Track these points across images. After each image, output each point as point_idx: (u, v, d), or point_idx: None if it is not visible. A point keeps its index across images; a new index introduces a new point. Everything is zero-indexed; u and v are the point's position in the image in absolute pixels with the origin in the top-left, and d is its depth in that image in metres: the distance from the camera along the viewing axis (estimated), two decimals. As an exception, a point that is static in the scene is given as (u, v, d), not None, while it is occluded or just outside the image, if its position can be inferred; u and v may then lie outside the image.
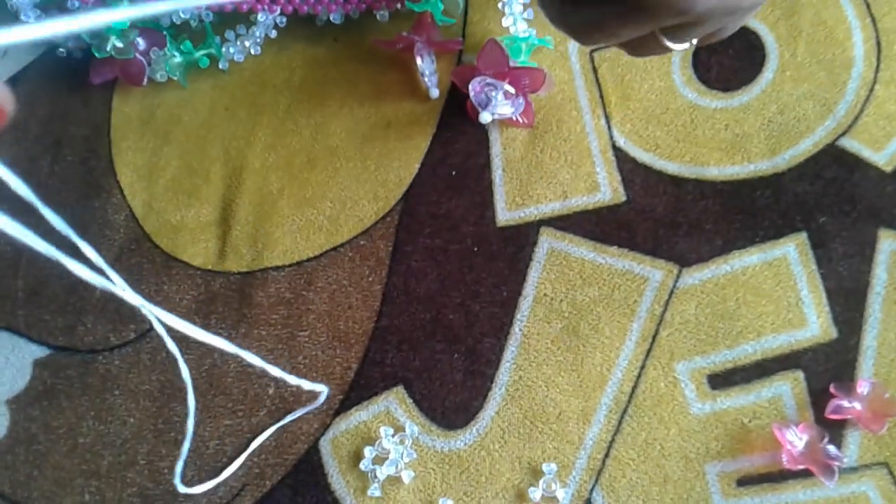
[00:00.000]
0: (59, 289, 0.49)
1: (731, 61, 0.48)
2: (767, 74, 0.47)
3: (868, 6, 0.48)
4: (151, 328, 0.47)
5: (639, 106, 0.48)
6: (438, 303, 0.46)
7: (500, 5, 0.50)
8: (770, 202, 0.45)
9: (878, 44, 0.47)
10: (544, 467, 0.42)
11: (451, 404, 0.44)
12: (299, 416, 0.44)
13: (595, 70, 0.50)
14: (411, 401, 0.44)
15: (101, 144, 0.53)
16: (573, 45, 0.50)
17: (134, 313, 0.48)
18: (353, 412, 0.45)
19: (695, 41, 0.35)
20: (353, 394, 0.45)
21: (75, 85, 0.55)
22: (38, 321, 0.49)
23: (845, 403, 0.40)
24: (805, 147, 0.46)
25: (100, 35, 0.51)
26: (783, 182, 0.45)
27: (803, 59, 0.47)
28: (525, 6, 0.50)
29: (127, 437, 0.46)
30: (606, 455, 0.42)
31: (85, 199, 0.52)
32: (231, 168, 0.51)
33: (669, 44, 0.34)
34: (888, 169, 0.44)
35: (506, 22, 0.50)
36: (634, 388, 0.42)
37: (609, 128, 0.48)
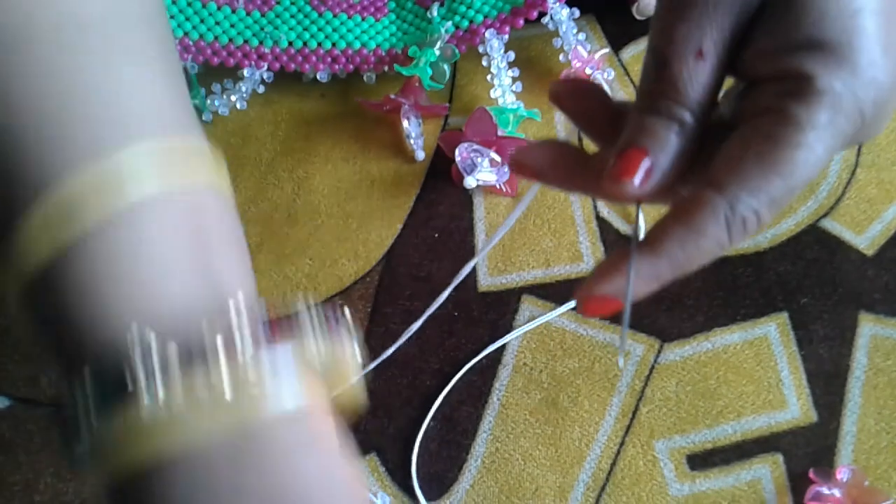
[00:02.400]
0: (23, 338, 0.48)
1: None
2: (750, 153, 0.48)
3: (849, 90, 0.49)
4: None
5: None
6: (416, 368, 0.45)
7: (488, 77, 0.50)
8: (752, 280, 0.45)
9: (859, 128, 0.48)
10: (519, 545, 0.41)
11: (425, 475, 0.43)
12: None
13: (581, 140, 0.50)
14: (384, 470, 0.43)
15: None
16: (559, 116, 0.51)
17: (100, 367, 0.47)
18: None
19: None
20: (325, 460, 0.44)
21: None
22: (0, 370, 0.47)
23: (825, 490, 0.39)
24: (787, 227, 0.46)
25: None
26: (765, 261, 0.45)
27: (786, 139, 0.48)
28: (514, 79, 0.50)
29: (86, 497, 0.44)
30: (582, 534, 0.41)
31: (57, 245, 0.50)
32: (210, 221, 0.50)
33: None
34: (869, 252, 0.45)
35: (494, 93, 0.50)
36: (613, 465, 0.42)
37: (593, 198, 0.48)
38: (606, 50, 0.52)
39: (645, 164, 0.25)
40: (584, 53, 0.50)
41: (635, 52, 0.53)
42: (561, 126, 0.50)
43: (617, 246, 0.47)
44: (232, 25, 0.52)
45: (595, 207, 0.48)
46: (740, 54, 0.25)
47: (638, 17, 0.51)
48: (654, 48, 0.26)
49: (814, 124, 0.23)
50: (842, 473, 0.40)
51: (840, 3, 0.24)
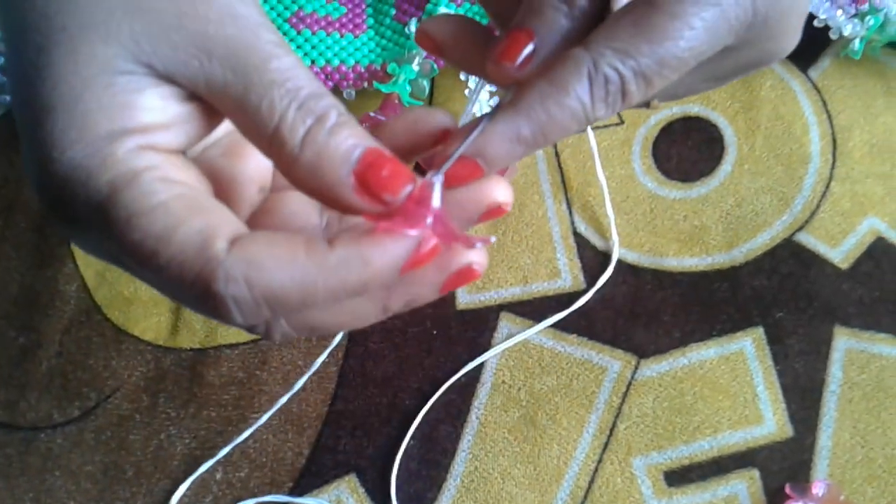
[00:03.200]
0: (4, 361, 0.48)
1: (690, 152, 0.49)
2: (726, 167, 0.48)
3: (824, 103, 0.49)
4: (97, 405, 0.46)
5: (600, 193, 0.48)
6: (395, 386, 0.45)
7: (466, 92, 0.51)
8: (727, 295, 0.45)
9: (834, 140, 0.48)
10: (497, 564, 0.41)
11: (404, 495, 0.43)
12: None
13: (558, 155, 0.50)
14: (363, 490, 0.43)
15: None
16: (537, 130, 0.51)
17: (80, 390, 0.46)
18: (303, 501, 0.43)
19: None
20: (304, 481, 0.44)
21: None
22: (-21, 394, 0.47)
23: (801, 505, 0.39)
24: (762, 241, 0.46)
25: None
26: (740, 276, 0.45)
27: (761, 153, 0.48)
28: (491, 94, 0.50)
29: (65, 522, 0.44)
30: (561, 552, 0.41)
31: (36, 267, 0.50)
32: (189, 241, 0.50)
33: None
34: (844, 266, 0.45)
35: (472, 109, 0.50)
36: (591, 482, 0.42)
37: (570, 214, 0.48)
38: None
39: (528, 48, 0.25)
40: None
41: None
42: (538, 142, 0.51)
43: (594, 262, 0.47)
44: (209, 44, 0.52)
45: (573, 224, 0.48)
46: None
47: None
48: None
49: None
50: (817, 488, 0.40)
51: None
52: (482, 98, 0.50)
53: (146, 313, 0.48)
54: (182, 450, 0.45)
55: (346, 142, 0.22)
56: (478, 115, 0.50)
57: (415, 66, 0.50)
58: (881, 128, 0.48)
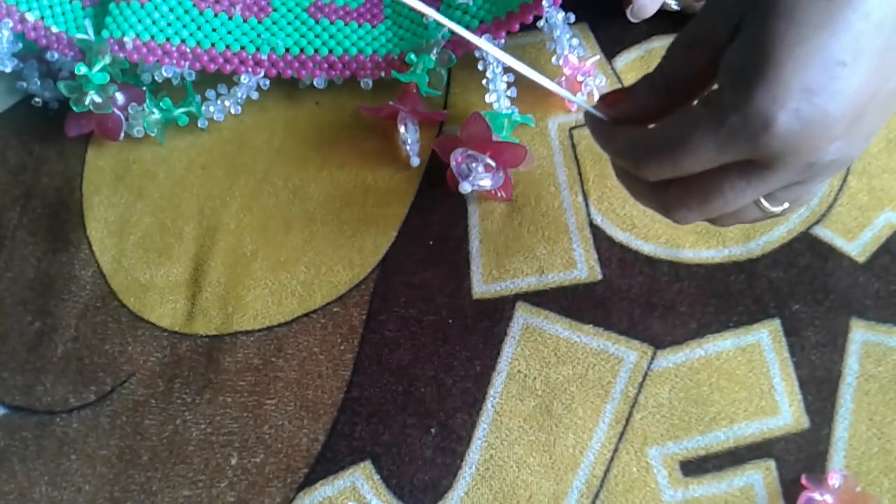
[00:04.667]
0: (20, 345, 0.48)
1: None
2: (743, 160, 0.48)
3: (841, 98, 0.49)
4: (113, 390, 0.46)
5: (616, 184, 0.48)
6: (411, 375, 0.45)
7: (483, 81, 0.51)
8: (744, 287, 0.45)
9: (851, 135, 0.48)
10: (513, 552, 0.41)
11: (419, 482, 0.43)
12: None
13: (574, 147, 0.50)
14: (378, 477, 0.43)
15: (73, 198, 0.52)
16: (553, 122, 0.51)
17: (95, 375, 0.47)
18: (319, 487, 0.43)
19: (787, 204, 0.35)
20: (319, 467, 0.44)
21: (49, 136, 0.54)
22: (-5, 378, 0.47)
23: (817, 496, 0.39)
24: (779, 234, 0.46)
25: (79, 88, 0.50)
26: (757, 268, 0.45)
27: (778, 147, 0.48)
28: (509, 84, 0.51)
29: (80, 505, 0.44)
30: (576, 541, 0.41)
31: (52, 252, 0.50)
32: (205, 228, 0.50)
33: (770, 206, 0.34)
34: (861, 259, 0.45)
35: (489, 98, 0.50)
36: (606, 472, 0.42)
37: (587, 205, 0.48)
38: (598, 57, 0.52)
39: (619, 97, 0.36)
40: (576, 61, 0.50)
41: (628, 60, 0.53)
42: (555, 132, 0.51)
43: (610, 253, 0.47)
44: (229, 32, 0.53)
45: (588, 215, 0.48)
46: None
47: (632, 20, 0.51)
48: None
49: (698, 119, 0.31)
50: (833, 479, 0.40)
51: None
52: (500, 88, 0.50)
53: (162, 299, 0.48)
54: (198, 435, 0.45)
55: None
56: (494, 105, 0.50)
57: (432, 56, 0.51)
58: (898, 123, 0.48)
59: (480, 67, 0.51)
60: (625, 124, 0.35)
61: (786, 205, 0.34)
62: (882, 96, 0.29)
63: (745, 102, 0.29)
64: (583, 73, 0.50)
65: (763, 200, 0.34)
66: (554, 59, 0.51)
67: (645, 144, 0.33)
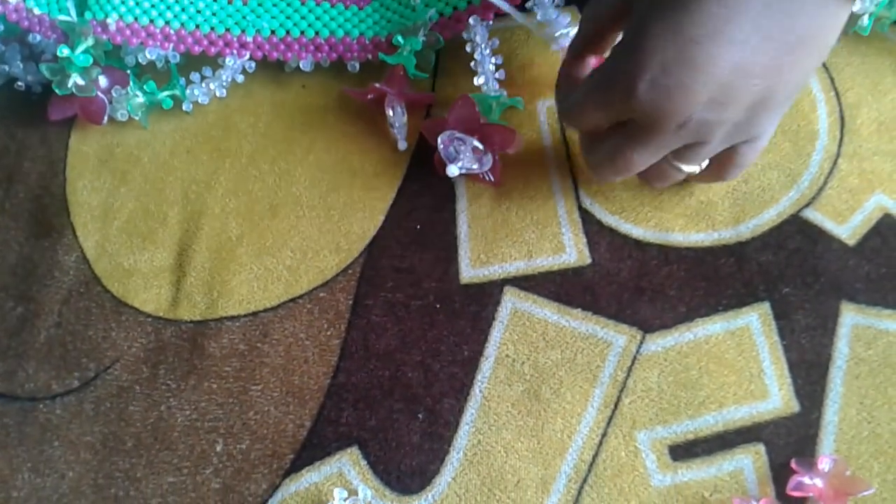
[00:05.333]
0: (1, 331, 0.47)
1: (698, 128, 0.48)
2: (734, 143, 0.48)
3: (832, 80, 0.49)
4: (96, 376, 0.45)
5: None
6: (398, 360, 0.45)
7: (472, 64, 0.50)
8: (733, 270, 0.45)
9: (842, 118, 0.48)
10: (500, 537, 0.40)
11: (406, 468, 0.42)
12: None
13: (563, 130, 0.50)
14: (366, 463, 0.43)
15: (56, 182, 0.51)
16: (542, 104, 0.50)
17: (79, 360, 0.46)
18: (305, 473, 0.43)
19: (705, 163, 0.41)
20: (305, 453, 0.43)
21: (32, 120, 0.53)
22: (-23, 365, 0.47)
23: (806, 480, 0.39)
24: (769, 217, 0.46)
25: (61, 71, 0.50)
26: (747, 251, 0.45)
27: (769, 130, 0.48)
28: (497, 66, 0.50)
29: (64, 492, 0.43)
30: (564, 526, 0.41)
31: (35, 237, 0.50)
32: (189, 212, 0.50)
33: (682, 166, 0.40)
34: (851, 242, 0.45)
35: (478, 81, 0.49)
36: (595, 456, 0.42)
37: (576, 189, 0.48)
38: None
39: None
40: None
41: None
42: (544, 115, 0.50)
43: (599, 237, 0.46)
44: (213, 14, 0.52)
45: (578, 198, 0.48)
46: None
47: None
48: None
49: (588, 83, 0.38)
50: (823, 463, 0.39)
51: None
52: (488, 71, 0.50)
53: (146, 285, 0.48)
54: (182, 421, 0.44)
55: None
56: (483, 88, 0.49)
57: (420, 38, 0.50)
58: (889, 105, 0.48)
59: (468, 50, 0.51)
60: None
61: (704, 164, 0.41)
62: (756, 70, 0.33)
63: (616, 71, 0.35)
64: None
65: (673, 160, 0.40)
66: (554, 45, 0.50)
67: (560, 103, 0.42)
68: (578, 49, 0.43)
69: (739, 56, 0.33)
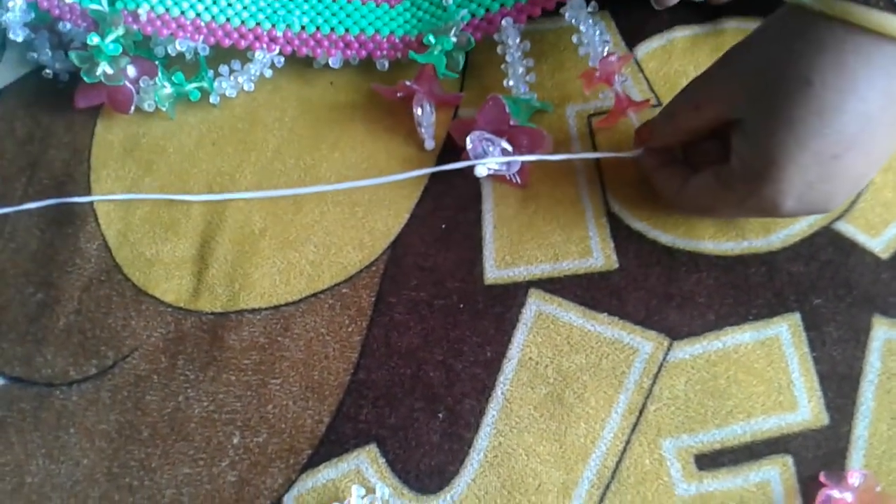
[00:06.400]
0: (21, 316, 0.47)
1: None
2: (765, 152, 0.47)
3: (866, 93, 0.48)
4: (114, 364, 0.45)
5: (634, 173, 0.47)
6: (419, 359, 0.44)
7: (502, 66, 0.50)
8: (764, 280, 0.44)
9: (875, 131, 0.47)
10: (520, 541, 0.40)
11: (425, 467, 0.42)
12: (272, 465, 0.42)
13: (592, 134, 0.49)
14: (384, 461, 0.42)
15: (80, 170, 0.51)
16: (572, 109, 0.50)
17: (97, 348, 0.46)
18: (322, 469, 0.42)
19: None
20: (323, 449, 0.43)
21: (58, 107, 0.53)
22: (-6, 349, 0.46)
23: (836, 494, 0.38)
24: (800, 228, 0.45)
25: (90, 59, 0.50)
26: (777, 261, 0.44)
27: (801, 140, 0.47)
28: (528, 69, 0.50)
29: (78, 479, 0.43)
30: (586, 532, 0.40)
31: (57, 224, 0.49)
32: (213, 204, 0.49)
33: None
34: (884, 256, 0.44)
35: (508, 83, 0.49)
36: (619, 463, 0.41)
37: (604, 193, 0.47)
38: (624, 52, 0.51)
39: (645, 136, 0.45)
40: (603, 52, 0.49)
41: (649, 49, 0.52)
42: (573, 119, 0.50)
43: (627, 242, 0.46)
44: (244, 7, 0.52)
45: (606, 203, 0.47)
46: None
47: (656, 7, 0.50)
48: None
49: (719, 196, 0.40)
50: (853, 477, 0.39)
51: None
52: (518, 73, 0.49)
53: (168, 275, 0.47)
54: (199, 412, 0.44)
55: None
56: (513, 90, 0.49)
57: (451, 38, 0.50)
58: (924, 120, 0.47)
59: (499, 51, 0.50)
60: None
61: None
62: (881, 156, 0.36)
63: (757, 193, 0.37)
64: (610, 69, 0.48)
65: None
66: (581, 49, 0.50)
67: (680, 200, 0.43)
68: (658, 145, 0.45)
69: (874, 156, 0.35)
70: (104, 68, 0.50)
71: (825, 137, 0.34)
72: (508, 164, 0.47)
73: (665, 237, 0.46)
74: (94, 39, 0.49)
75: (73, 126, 0.53)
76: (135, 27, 0.51)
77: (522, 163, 0.47)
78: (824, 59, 0.33)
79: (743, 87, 0.37)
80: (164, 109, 0.52)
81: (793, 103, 0.34)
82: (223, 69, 0.52)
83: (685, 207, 0.44)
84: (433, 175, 0.49)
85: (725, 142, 0.39)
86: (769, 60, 0.35)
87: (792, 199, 0.36)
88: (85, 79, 0.50)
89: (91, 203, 0.50)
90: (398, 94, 0.50)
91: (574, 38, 0.50)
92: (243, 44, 0.52)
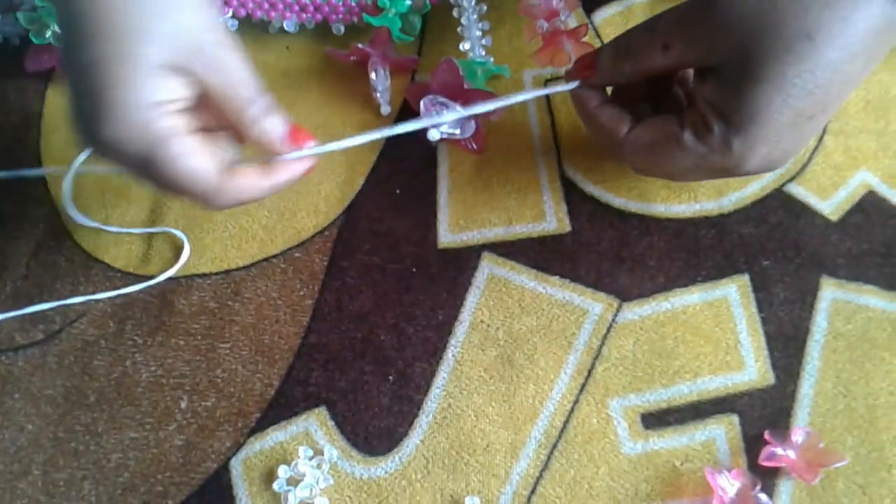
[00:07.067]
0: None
1: (683, 101, 0.48)
2: (719, 116, 0.47)
3: (820, 59, 0.48)
4: (61, 329, 0.44)
5: (589, 137, 0.47)
6: (371, 322, 0.44)
7: (458, 29, 0.49)
8: (714, 242, 0.44)
9: (828, 96, 0.47)
10: (467, 501, 0.39)
11: (374, 429, 0.42)
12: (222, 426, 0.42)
13: (548, 99, 0.49)
14: (333, 423, 0.42)
15: (31, 135, 0.50)
16: (528, 74, 0.50)
17: (44, 313, 0.45)
18: (270, 432, 0.42)
19: None
20: (272, 412, 0.42)
21: (9, 72, 0.52)
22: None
23: (779, 451, 0.38)
24: (752, 190, 0.45)
25: (39, 20, 0.49)
26: (728, 223, 0.44)
27: (755, 105, 0.47)
28: (484, 32, 0.49)
29: (23, 444, 0.42)
30: (532, 491, 0.40)
31: (6, 190, 0.49)
32: (165, 169, 0.49)
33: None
34: (833, 218, 0.44)
35: (464, 46, 0.49)
36: (566, 423, 0.41)
37: (559, 158, 0.47)
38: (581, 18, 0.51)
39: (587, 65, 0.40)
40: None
41: (607, 15, 0.52)
42: (530, 84, 0.49)
43: (581, 206, 0.46)
44: (196, -30, 0.51)
45: (560, 167, 0.47)
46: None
47: None
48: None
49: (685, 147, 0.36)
50: (797, 435, 0.39)
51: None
52: (474, 37, 0.49)
53: (117, 240, 0.47)
54: (147, 377, 0.43)
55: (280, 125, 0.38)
56: (469, 54, 0.49)
57: (406, 1, 0.49)
58: (877, 85, 0.48)
59: (455, 14, 0.50)
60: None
61: None
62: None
63: (722, 148, 0.35)
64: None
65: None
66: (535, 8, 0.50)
67: (634, 147, 0.38)
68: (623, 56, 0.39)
69: (832, 115, 0.35)
70: (53, 29, 0.49)
71: (811, 96, 0.32)
72: (462, 128, 0.47)
73: (617, 200, 0.46)
74: (41, 0, 0.48)
75: (23, 91, 0.52)
76: (85, -10, 0.50)
77: (478, 128, 0.47)
78: (832, 15, 0.31)
79: (730, 33, 0.33)
80: (116, 74, 0.51)
81: (791, 58, 0.32)
82: (177, 34, 0.52)
83: (629, 157, 0.39)
84: (388, 140, 0.49)
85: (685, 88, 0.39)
86: (765, 11, 0.32)
87: (758, 158, 0.35)
88: (34, 40, 0.49)
89: (39, 165, 0.49)
90: (352, 58, 0.49)
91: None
92: (196, 7, 0.51)
